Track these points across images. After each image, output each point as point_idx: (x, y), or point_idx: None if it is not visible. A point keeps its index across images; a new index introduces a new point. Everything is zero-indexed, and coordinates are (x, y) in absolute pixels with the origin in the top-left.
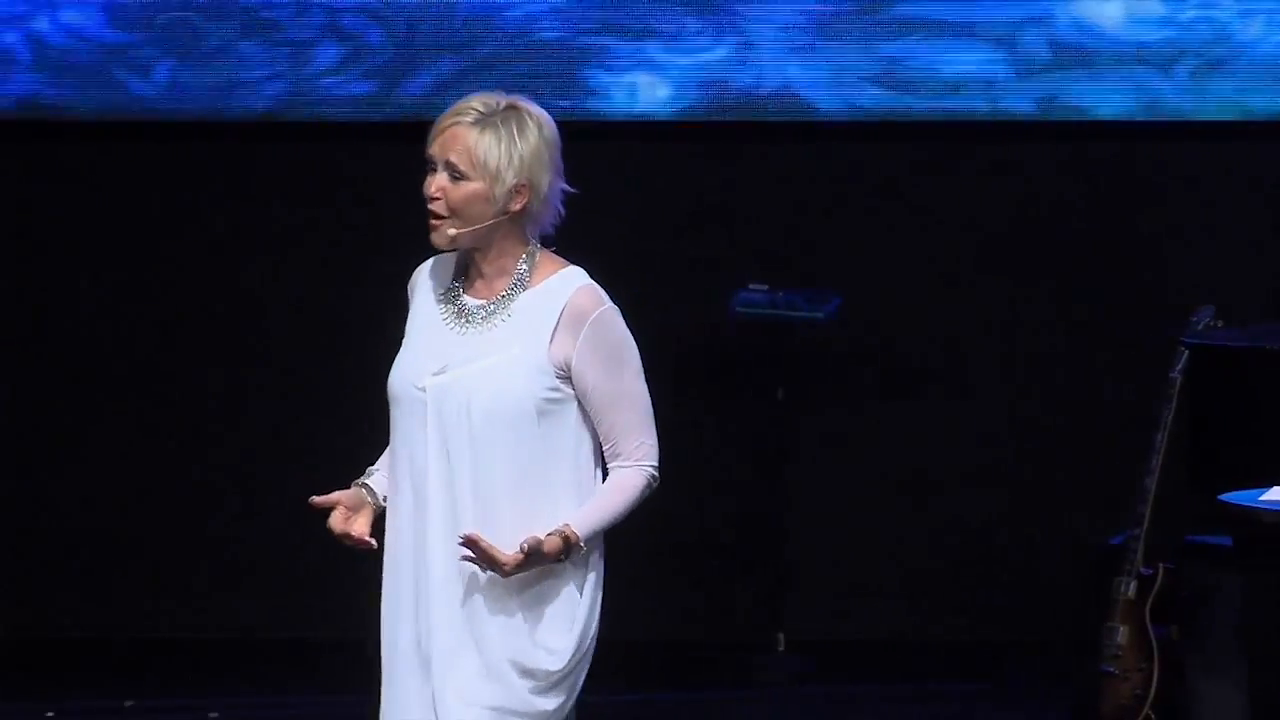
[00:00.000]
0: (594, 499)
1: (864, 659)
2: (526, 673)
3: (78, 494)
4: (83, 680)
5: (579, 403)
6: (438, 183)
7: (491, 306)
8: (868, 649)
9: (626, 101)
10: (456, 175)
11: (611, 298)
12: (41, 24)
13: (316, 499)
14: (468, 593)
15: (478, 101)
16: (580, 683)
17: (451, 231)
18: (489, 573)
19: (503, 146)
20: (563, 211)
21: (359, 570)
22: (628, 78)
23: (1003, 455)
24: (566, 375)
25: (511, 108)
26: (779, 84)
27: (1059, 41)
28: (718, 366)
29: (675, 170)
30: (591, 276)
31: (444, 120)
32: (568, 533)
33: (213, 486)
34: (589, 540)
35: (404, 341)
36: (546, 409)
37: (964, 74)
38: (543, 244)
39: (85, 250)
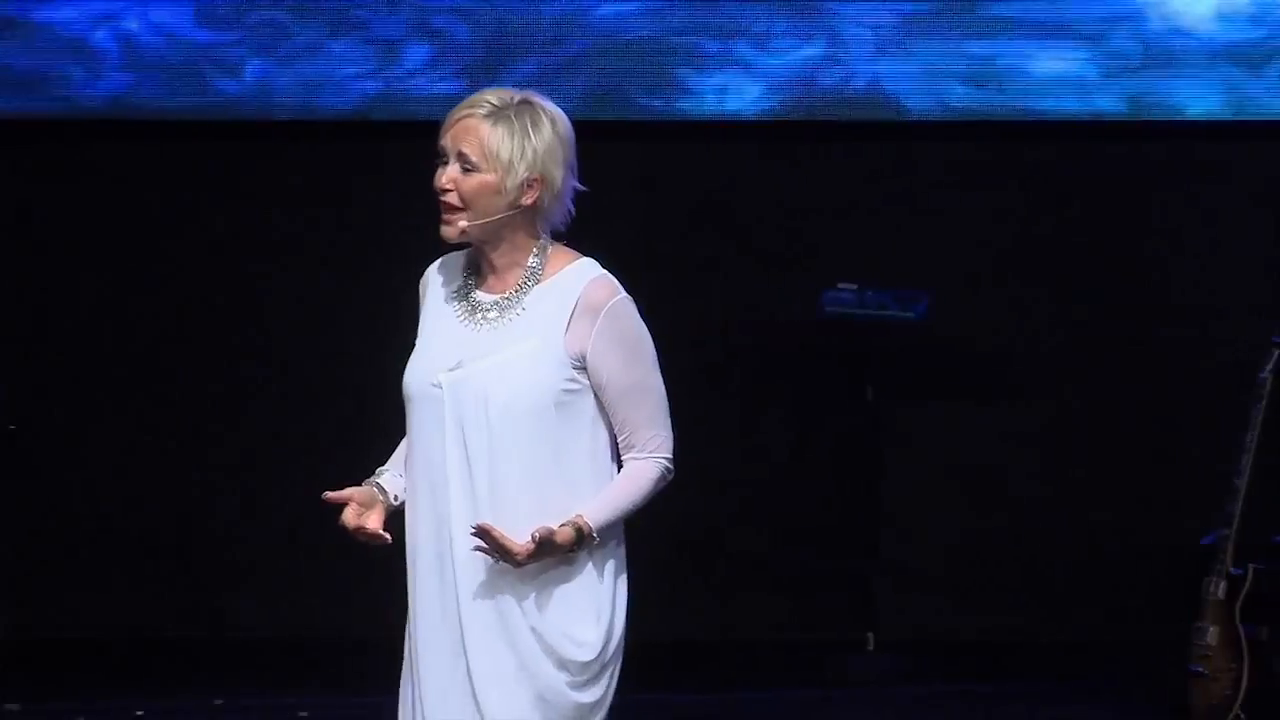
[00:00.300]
0: (607, 490)
1: (953, 658)
2: (562, 665)
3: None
4: (172, 678)
5: (595, 395)
6: (449, 174)
7: (505, 301)
8: (957, 648)
9: (716, 101)
10: (468, 167)
11: (627, 288)
12: (131, 23)
13: (330, 494)
14: (495, 588)
15: (492, 95)
16: (616, 675)
17: (463, 224)
18: (507, 565)
19: (515, 139)
20: (573, 210)
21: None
22: (717, 77)
23: (1090, 455)
24: (582, 366)
25: (525, 102)
26: (868, 83)
27: (1149, 40)
28: (806, 366)
29: (764, 169)
30: (680, 274)
31: (457, 112)
32: (580, 523)
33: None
34: (602, 531)
35: (418, 340)
36: (563, 400)
37: (1053, 73)
38: (553, 238)
39: (180, 248)
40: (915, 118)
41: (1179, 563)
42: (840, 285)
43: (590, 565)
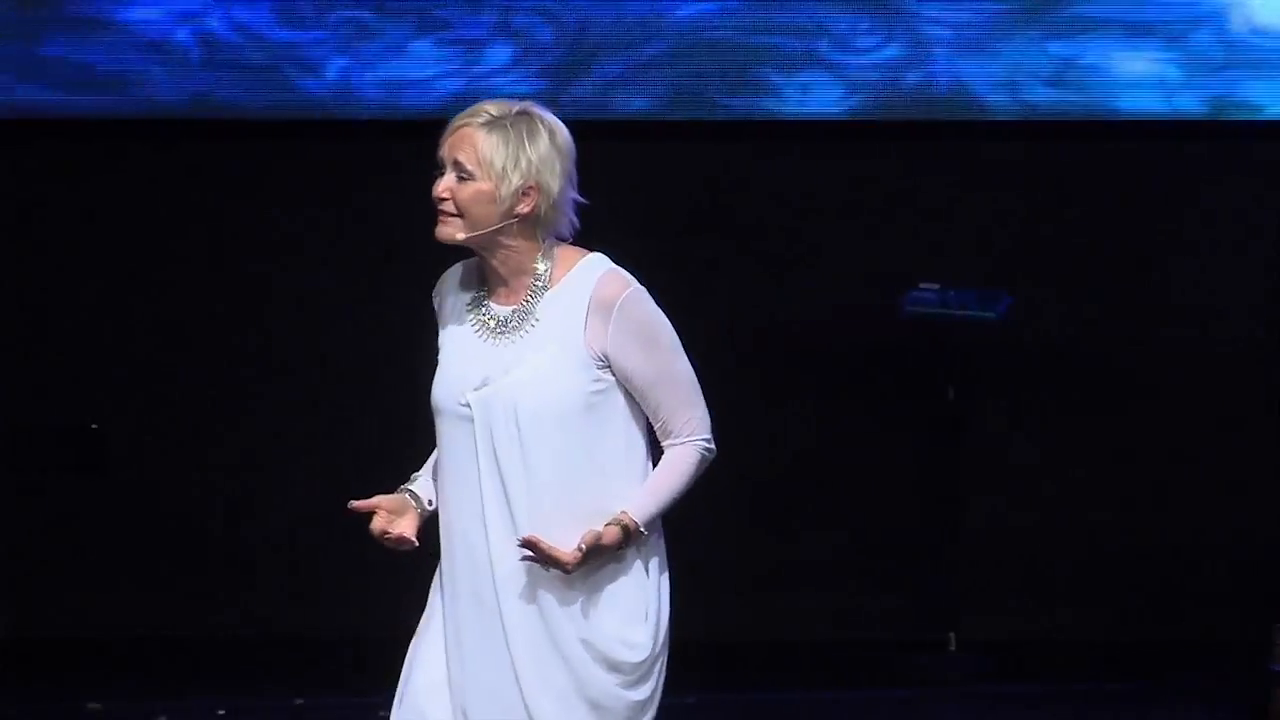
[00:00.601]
0: (649, 482)
1: (1036, 658)
2: (613, 667)
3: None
4: (252, 677)
5: (623, 389)
6: (445, 183)
7: (520, 312)
8: (1039, 648)
9: (799, 101)
10: (463, 175)
11: (640, 280)
12: (213, 22)
13: (356, 503)
14: (539, 603)
15: (491, 105)
16: (663, 668)
17: (459, 232)
18: (553, 572)
19: (510, 148)
20: (576, 222)
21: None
22: (800, 77)
23: (1170, 455)
24: (606, 365)
25: (524, 113)
26: (951, 83)
27: (1231, 40)
28: (888, 365)
29: (845, 168)
30: (764, 272)
31: (456, 121)
32: (625, 521)
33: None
34: (649, 525)
35: (440, 354)
36: (593, 401)
37: (1136, 73)
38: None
39: (266, 247)
40: (997, 117)
41: (1261, 563)
42: (922, 285)
43: (635, 563)
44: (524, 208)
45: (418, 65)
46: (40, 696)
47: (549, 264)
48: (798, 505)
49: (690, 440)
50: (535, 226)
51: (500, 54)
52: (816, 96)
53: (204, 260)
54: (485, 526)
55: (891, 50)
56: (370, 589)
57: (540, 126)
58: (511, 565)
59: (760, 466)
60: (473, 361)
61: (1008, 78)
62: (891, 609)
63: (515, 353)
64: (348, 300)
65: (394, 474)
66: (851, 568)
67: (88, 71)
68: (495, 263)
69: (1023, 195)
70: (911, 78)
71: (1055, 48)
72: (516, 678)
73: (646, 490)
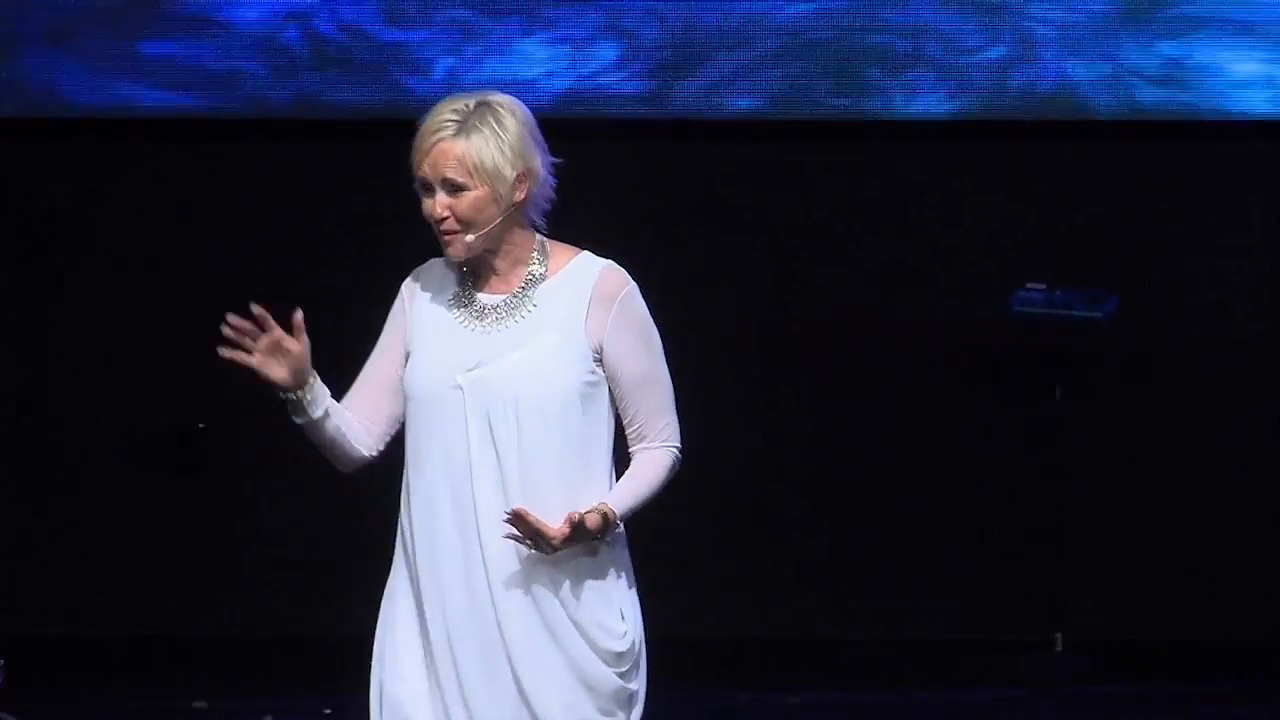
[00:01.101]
0: (628, 479)
1: (1143, 658)
2: (601, 654)
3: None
4: (354, 676)
5: (607, 389)
6: (442, 202)
7: (513, 300)
8: (1146, 648)
9: (904, 101)
10: (456, 188)
11: (647, 285)
12: (320, 22)
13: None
14: (530, 584)
15: (447, 111)
16: (645, 673)
17: (469, 238)
18: (535, 554)
19: (492, 145)
20: (554, 181)
21: None
22: (906, 77)
23: (1276, 455)
24: (600, 358)
25: (482, 104)
26: (1057, 83)
27: None
28: (995, 365)
29: (952, 168)
30: (872, 272)
31: (425, 141)
32: (606, 510)
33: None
34: (623, 519)
35: (414, 348)
36: (587, 393)
37: (1245, 73)
38: (546, 220)
39: (373, 247)
40: (1104, 117)
41: None
42: (1029, 285)
43: (605, 560)
44: (520, 195)
45: (524, 65)
46: (146, 695)
47: (545, 256)
48: (906, 504)
49: (665, 446)
50: (527, 209)
51: (606, 53)
52: (922, 97)
53: (313, 260)
54: (475, 510)
55: (998, 50)
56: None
57: (503, 111)
58: (503, 548)
59: (868, 465)
60: (461, 347)
61: (1114, 77)
62: (998, 609)
63: (511, 338)
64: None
65: None
66: (958, 567)
67: (193, 71)
68: (495, 259)
69: (1130, 195)
70: (1017, 78)
71: (1163, 47)
72: (510, 660)
73: (624, 486)
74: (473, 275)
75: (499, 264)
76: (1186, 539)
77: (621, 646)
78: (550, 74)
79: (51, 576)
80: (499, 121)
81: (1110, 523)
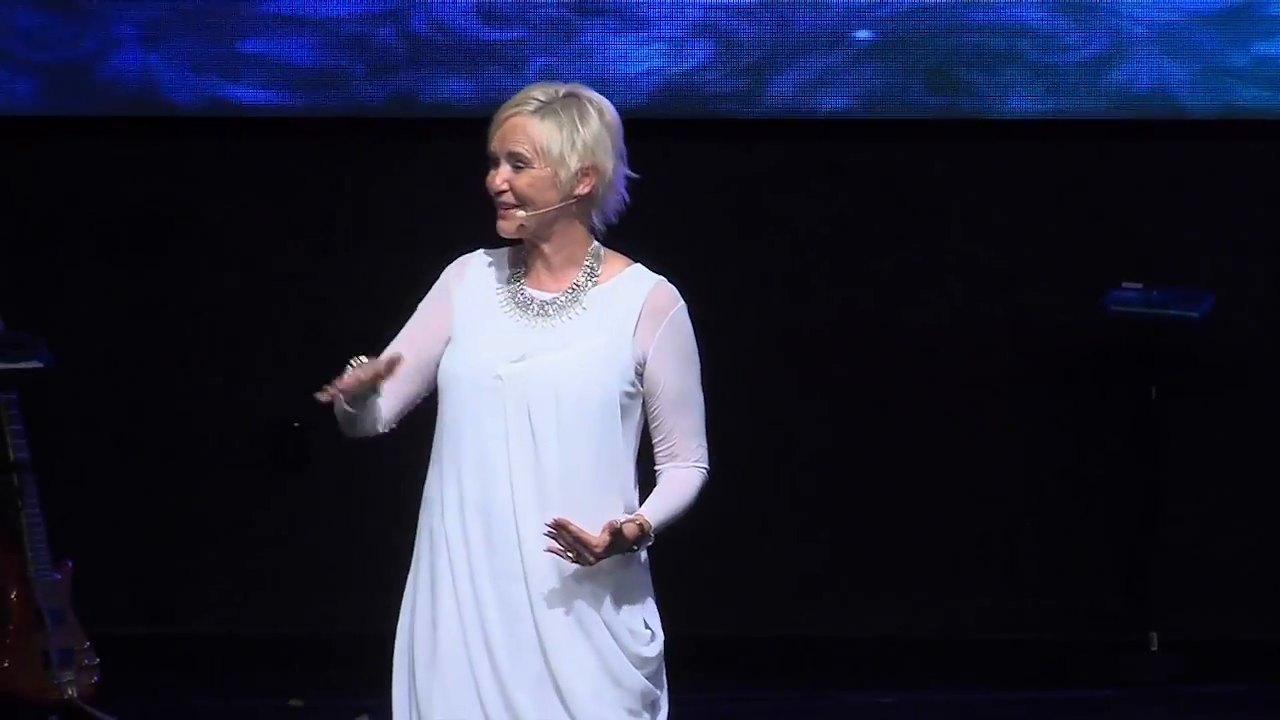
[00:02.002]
0: (660, 494)
1: (1238, 659)
2: (631, 656)
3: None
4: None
5: (642, 401)
6: (502, 174)
7: (562, 299)
8: (1242, 648)
9: (999, 99)
10: (520, 164)
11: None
12: (416, 20)
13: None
14: (566, 580)
15: (538, 91)
16: (665, 684)
17: (522, 214)
18: (557, 563)
19: (564, 132)
20: (627, 198)
21: None
22: (1000, 76)
23: None
24: (642, 372)
25: (571, 95)
26: (1152, 82)
27: None
28: (1091, 364)
29: (1047, 167)
30: (964, 270)
31: (504, 112)
32: (642, 522)
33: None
34: (657, 530)
35: (457, 333)
36: (625, 403)
37: None
38: (607, 231)
39: (470, 245)
40: (1196, 116)
41: None
42: (1125, 284)
43: (631, 570)
44: (583, 189)
45: (619, 63)
46: (242, 693)
47: (598, 262)
48: (1001, 503)
49: (696, 466)
50: (590, 208)
51: (700, 52)
52: (1017, 95)
53: (407, 259)
54: (513, 503)
55: (1092, 50)
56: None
57: (590, 107)
58: (539, 542)
59: (964, 464)
60: (506, 338)
61: (1208, 77)
62: (1092, 609)
63: (558, 335)
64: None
65: None
66: (1053, 566)
67: (289, 70)
68: (548, 249)
69: (1225, 194)
70: (1112, 77)
71: (1258, 46)
72: (542, 647)
73: (659, 500)
74: (523, 267)
75: (552, 259)
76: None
77: (649, 652)
78: (644, 73)
79: (145, 575)
80: (580, 113)
81: (1206, 522)
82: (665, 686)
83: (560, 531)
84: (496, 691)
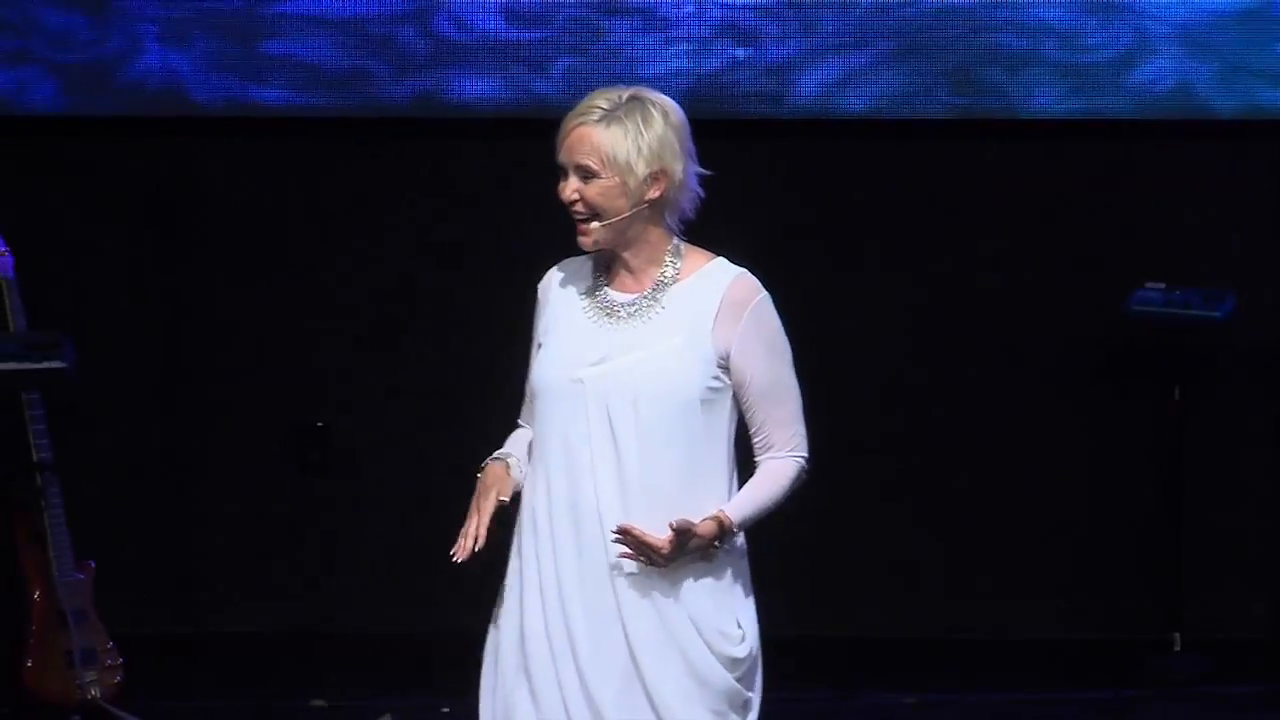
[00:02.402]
0: (750, 486)
1: (1261, 659)
2: (723, 661)
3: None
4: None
5: (732, 399)
6: (572, 186)
7: (644, 300)
8: (1264, 648)
9: (1023, 99)
10: (588, 175)
11: (766, 286)
12: (440, 20)
13: (466, 545)
14: (651, 576)
15: (600, 99)
16: (760, 684)
17: (596, 226)
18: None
19: (629, 138)
20: (701, 194)
21: None
22: (1024, 76)
23: None
24: (726, 365)
25: (634, 99)
26: (1176, 82)
27: None
28: (1114, 364)
29: (1070, 166)
30: (984, 271)
31: (569, 122)
32: (721, 517)
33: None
34: (741, 527)
35: (546, 339)
36: (709, 398)
37: None
38: (685, 228)
39: (493, 247)
40: (1220, 116)
41: None
42: (1148, 284)
43: (724, 567)
44: (653, 193)
45: (644, 64)
46: (265, 693)
47: (679, 259)
48: (1021, 504)
49: (792, 455)
50: (664, 210)
51: (726, 53)
52: (1040, 95)
53: (429, 259)
54: (598, 504)
55: (1115, 49)
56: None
57: (653, 110)
58: (617, 555)
59: (983, 464)
60: (588, 342)
61: (1231, 77)
62: (1115, 608)
63: (636, 336)
64: None
65: None
66: (1075, 566)
67: (313, 70)
68: (627, 255)
69: (1248, 194)
70: (1136, 77)
71: None
72: (629, 646)
73: (746, 494)
74: (606, 272)
75: (632, 262)
76: None
77: (739, 653)
78: (670, 73)
79: (168, 575)
80: (645, 118)
81: (1228, 522)
82: (759, 686)
83: (625, 537)
84: (580, 692)
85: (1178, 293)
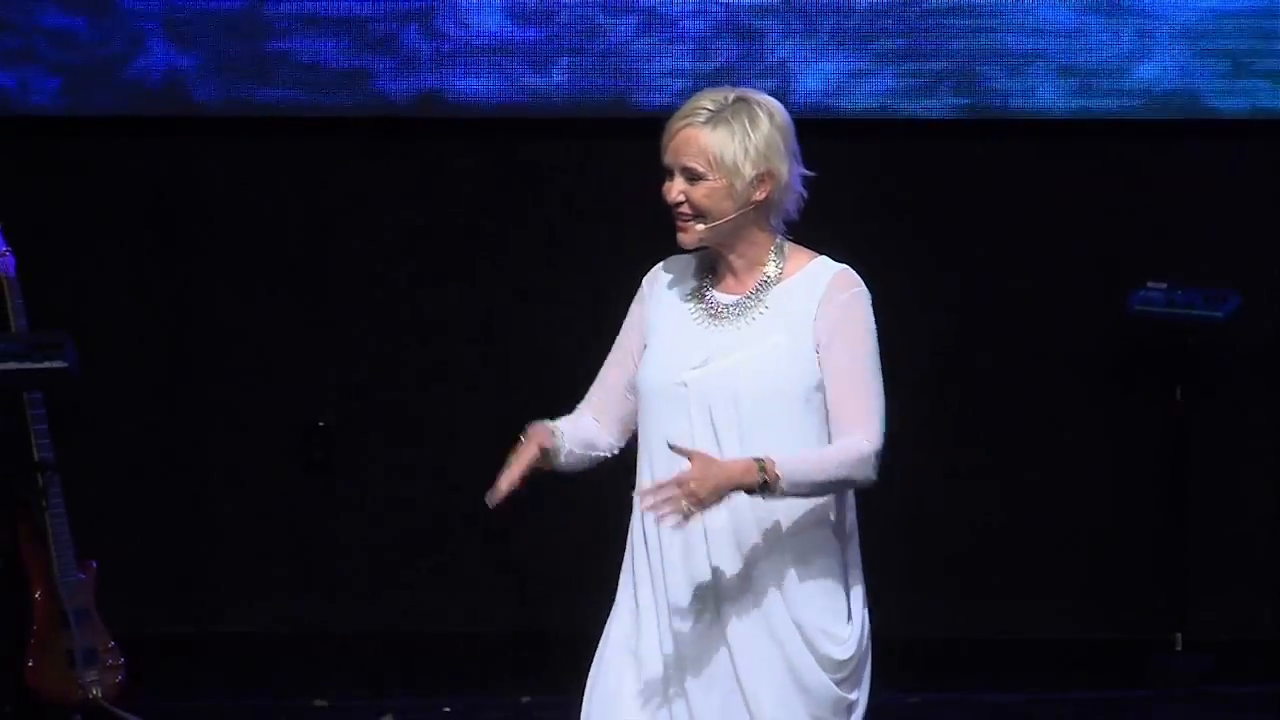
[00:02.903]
0: (810, 450)
1: (1265, 659)
2: (820, 659)
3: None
4: (478, 674)
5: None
6: (678, 187)
7: (747, 301)
8: (1266, 648)
9: (1024, 99)
10: (695, 177)
11: (866, 283)
12: (440, 19)
13: (503, 489)
14: (753, 578)
15: (706, 100)
16: (869, 678)
17: (700, 228)
18: (759, 550)
19: (736, 140)
20: (805, 194)
21: None
22: (1027, 75)
23: None
24: (818, 352)
25: (740, 100)
26: (1178, 82)
27: None
28: (1116, 365)
29: (1072, 166)
30: (986, 271)
31: (675, 124)
32: (766, 462)
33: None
34: (789, 482)
35: (650, 340)
36: (812, 396)
37: None
38: (788, 229)
39: (492, 244)
40: (1223, 116)
41: None
42: (1150, 284)
43: (834, 565)
44: (759, 195)
45: (645, 62)
46: (266, 693)
47: (782, 259)
48: (1024, 504)
49: (865, 439)
50: (769, 212)
51: (726, 51)
52: (1043, 94)
53: (429, 258)
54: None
55: (1119, 49)
56: (588, 587)
57: (759, 111)
58: (728, 545)
59: (987, 464)
60: (691, 344)
61: (1234, 77)
62: (1117, 609)
63: (738, 337)
64: (568, 298)
65: (630, 469)
66: (1078, 567)
67: (314, 69)
68: (732, 256)
69: (1251, 194)
70: (1140, 76)
71: None
72: (730, 653)
73: (805, 452)
74: (711, 273)
75: (736, 263)
76: None
77: (843, 654)
78: (670, 72)
79: (169, 575)
80: (751, 119)
81: (1230, 522)
82: (865, 685)
83: (646, 498)
84: (681, 697)
85: (1179, 293)
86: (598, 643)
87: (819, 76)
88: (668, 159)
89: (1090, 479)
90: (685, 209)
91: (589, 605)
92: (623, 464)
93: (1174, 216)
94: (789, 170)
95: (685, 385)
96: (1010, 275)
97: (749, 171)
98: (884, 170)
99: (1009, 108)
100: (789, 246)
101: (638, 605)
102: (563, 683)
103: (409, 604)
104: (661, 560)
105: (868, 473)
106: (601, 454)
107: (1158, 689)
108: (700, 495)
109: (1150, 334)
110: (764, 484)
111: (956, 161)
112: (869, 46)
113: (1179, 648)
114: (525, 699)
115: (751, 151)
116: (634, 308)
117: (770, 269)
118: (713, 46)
